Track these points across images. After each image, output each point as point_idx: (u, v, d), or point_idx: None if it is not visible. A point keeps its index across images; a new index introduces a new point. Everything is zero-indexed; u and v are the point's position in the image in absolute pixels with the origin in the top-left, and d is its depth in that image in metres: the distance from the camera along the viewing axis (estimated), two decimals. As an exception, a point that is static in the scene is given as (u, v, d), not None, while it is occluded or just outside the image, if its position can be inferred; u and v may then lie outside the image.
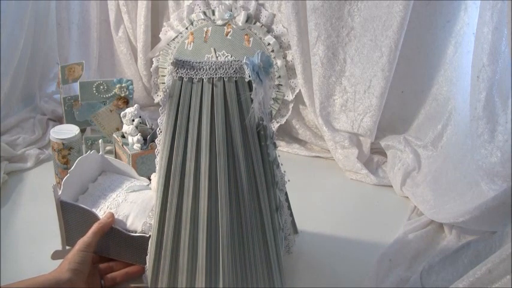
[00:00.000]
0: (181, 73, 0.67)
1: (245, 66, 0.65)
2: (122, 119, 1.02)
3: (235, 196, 0.69)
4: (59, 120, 1.34)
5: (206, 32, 1.28)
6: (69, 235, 0.83)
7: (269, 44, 1.24)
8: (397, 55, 1.12)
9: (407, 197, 1.07)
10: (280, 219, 0.77)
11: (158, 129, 0.71)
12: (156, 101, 1.43)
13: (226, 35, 1.26)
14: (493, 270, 0.66)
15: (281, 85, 1.27)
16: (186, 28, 1.31)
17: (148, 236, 0.76)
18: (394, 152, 1.19)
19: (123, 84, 1.14)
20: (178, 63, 0.66)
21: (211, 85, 0.66)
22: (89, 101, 1.16)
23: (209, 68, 0.66)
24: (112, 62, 1.46)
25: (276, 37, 1.25)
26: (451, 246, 0.89)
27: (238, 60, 0.66)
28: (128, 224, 0.80)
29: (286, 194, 0.81)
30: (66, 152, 0.99)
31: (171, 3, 1.35)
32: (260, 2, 1.26)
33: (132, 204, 0.82)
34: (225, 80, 0.66)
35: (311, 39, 1.17)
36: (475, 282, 0.67)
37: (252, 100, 0.66)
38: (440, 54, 1.13)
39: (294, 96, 1.27)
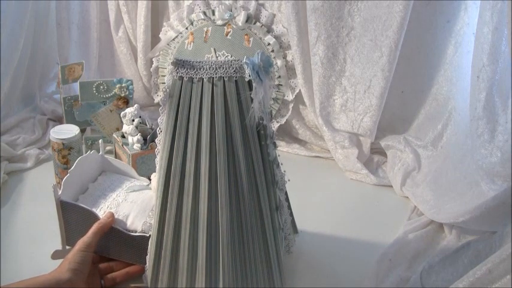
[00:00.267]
0: (182, 73, 0.67)
1: (245, 66, 0.65)
2: (122, 119, 1.02)
3: (235, 195, 0.69)
4: (59, 120, 1.34)
5: (206, 32, 1.28)
6: (69, 235, 0.83)
7: (269, 44, 1.24)
8: (397, 55, 1.12)
9: (407, 197, 1.07)
10: (280, 218, 0.77)
11: (158, 129, 0.71)
12: (156, 101, 1.43)
13: (226, 35, 1.26)
14: (493, 270, 0.66)
15: (281, 85, 1.27)
16: (186, 28, 1.31)
17: (148, 235, 0.76)
18: (394, 152, 1.19)
19: (123, 84, 1.15)
20: (179, 63, 0.66)
21: (211, 85, 0.66)
22: (89, 101, 1.16)
23: (209, 68, 0.66)
24: (112, 62, 1.46)
25: (276, 37, 1.25)
26: (451, 246, 0.89)
27: (238, 60, 0.66)
28: (128, 223, 0.80)
29: (286, 193, 0.81)
30: (66, 152, 0.99)
31: (171, 3, 1.35)
32: (260, 2, 1.26)
33: (132, 204, 0.82)
34: (225, 79, 0.66)
35: (311, 39, 1.17)
36: (475, 282, 0.67)
37: (252, 99, 0.66)
38: (440, 54, 1.13)
39: (294, 96, 1.27)
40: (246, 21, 1.25)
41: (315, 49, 1.18)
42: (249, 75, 0.65)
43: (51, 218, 0.83)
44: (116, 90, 1.14)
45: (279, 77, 1.26)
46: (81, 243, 0.75)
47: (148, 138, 1.00)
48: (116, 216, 0.80)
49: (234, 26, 1.26)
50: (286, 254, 0.87)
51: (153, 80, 1.42)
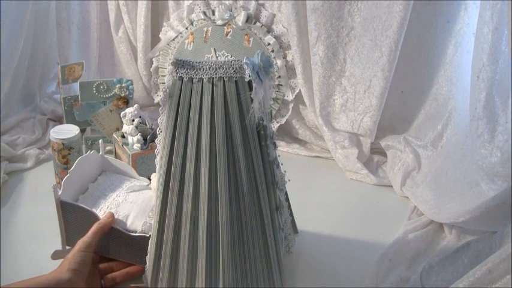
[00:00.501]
0: (182, 73, 0.67)
1: (245, 66, 0.65)
2: (122, 119, 1.02)
3: (235, 196, 0.69)
4: (59, 120, 1.34)
5: (206, 32, 1.28)
6: (69, 235, 0.83)
7: (269, 44, 1.24)
8: (397, 55, 1.12)
9: (407, 197, 1.07)
10: (280, 218, 0.77)
11: (158, 129, 0.71)
12: (156, 101, 1.43)
13: (226, 35, 1.26)
14: (493, 270, 0.66)
15: (281, 85, 1.27)
16: (186, 28, 1.31)
17: (148, 235, 0.76)
18: (394, 152, 1.19)
19: (123, 84, 1.15)
20: (179, 63, 0.66)
21: (211, 85, 0.66)
22: (89, 101, 1.16)
23: (209, 68, 0.66)
24: (112, 62, 1.46)
25: (276, 37, 1.25)
26: (451, 246, 0.89)
27: (238, 60, 0.66)
28: (128, 224, 0.80)
29: (286, 193, 0.81)
30: (66, 152, 0.99)
31: (171, 3, 1.35)
32: (260, 2, 1.26)
33: (132, 204, 0.82)
34: (225, 79, 0.66)
35: (311, 39, 1.17)
36: (475, 282, 0.67)
37: (252, 100, 0.66)
38: (440, 54, 1.13)
39: (294, 96, 1.27)
40: (246, 21, 1.25)
41: (315, 49, 1.18)
42: (249, 76, 0.65)
43: (51, 218, 0.83)
44: (116, 90, 1.15)
45: (279, 77, 1.26)
46: (81, 243, 0.75)
47: (148, 138, 1.00)
48: (116, 217, 0.80)
49: (234, 26, 1.26)
50: (286, 254, 0.87)
51: (153, 80, 1.42)
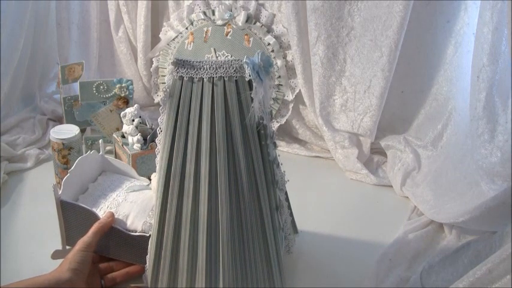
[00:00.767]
0: (182, 72, 0.67)
1: (245, 66, 0.65)
2: (122, 119, 1.02)
3: (235, 194, 0.69)
4: (59, 120, 1.34)
5: (206, 32, 1.28)
6: (69, 235, 0.83)
7: (269, 44, 1.25)
8: (397, 55, 1.12)
9: (407, 197, 1.07)
10: (280, 218, 0.77)
11: (158, 128, 0.71)
12: (156, 101, 1.43)
13: (226, 35, 1.26)
14: (493, 270, 0.66)
15: (281, 85, 1.27)
16: (186, 28, 1.31)
17: (148, 235, 0.76)
18: (394, 152, 1.19)
19: (123, 84, 1.15)
20: (179, 63, 0.66)
21: (211, 84, 0.66)
22: (89, 101, 1.16)
23: (209, 68, 0.66)
24: (112, 62, 1.46)
25: (276, 37, 1.25)
26: (451, 246, 0.89)
27: (238, 60, 0.66)
28: (128, 223, 0.80)
29: (286, 193, 0.81)
30: (66, 152, 0.99)
31: (171, 3, 1.35)
32: (260, 2, 1.26)
33: (132, 204, 0.82)
34: (226, 79, 0.66)
35: (311, 39, 1.17)
36: (475, 282, 0.67)
37: (252, 99, 0.66)
38: (440, 54, 1.13)
39: (294, 96, 1.27)
40: (246, 21, 1.25)
41: (315, 49, 1.18)
42: (249, 75, 0.65)
43: (51, 218, 0.83)
44: (116, 90, 1.14)
45: (279, 77, 1.26)
46: (81, 243, 0.74)
47: (148, 138, 1.00)
48: (116, 216, 0.80)
49: (234, 26, 1.26)
50: (286, 254, 0.87)
51: (153, 80, 1.42)
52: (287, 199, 0.83)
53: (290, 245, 0.87)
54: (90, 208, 0.80)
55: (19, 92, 1.34)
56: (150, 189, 0.84)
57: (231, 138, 0.68)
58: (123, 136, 1.03)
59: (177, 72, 0.67)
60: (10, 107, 1.30)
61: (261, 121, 0.68)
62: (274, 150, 0.74)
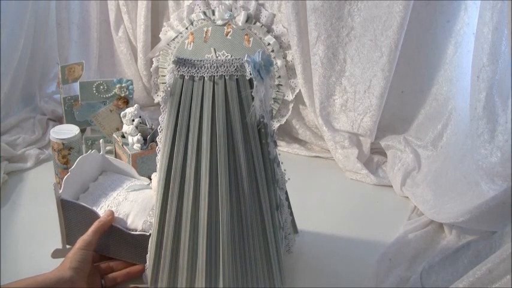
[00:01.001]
0: (183, 71, 0.67)
1: (246, 64, 0.65)
2: (122, 119, 1.02)
3: (236, 193, 0.69)
4: (59, 120, 1.34)
5: (206, 32, 1.28)
6: (70, 234, 0.83)
7: (269, 44, 1.25)
8: (397, 55, 1.12)
9: (407, 197, 1.07)
10: (280, 217, 0.77)
11: (159, 127, 0.71)
12: (156, 101, 1.43)
13: (226, 35, 1.26)
14: (493, 270, 0.66)
15: (281, 85, 1.27)
16: (186, 28, 1.31)
17: (148, 234, 0.76)
18: (394, 152, 1.19)
19: (123, 84, 1.14)
20: (180, 61, 0.66)
21: (212, 83, 0.66)
22: (89, 101, 1.16)
23: (210, 66, 0.66)
24: (112, 62, 1.46)
25: (276, 37, 1.25)
26: (451, 246, 0.89)
27: (239, 58, 0.66)
28: (129, 222, 0.80)
29: (286, 193, 0.82)
30: (66, 152, 0.99)
31: (171, 3, 1.35)
32: (260, 2, 1.26)
33: (133, 203, 0.82)
34: (226, 78, 0.66)
35: (311, 39, 1.17)
36: (475, 282, 0.67)
37: (252, 98, 0.67)
38: (440, 54, 1.13)
39: (294, 96, 1.27)
40: (246, 21, 1.25)
41: (315, 49, 1.18)
42: (250, 74, 0.65)
43: (51, 218, 0.83)
44: (116, 90, 1.14)
45: (279, 77, 1.26)
46: (81, 241, 0.74)
47: (148, 138, 1.00)
48: (116, 215, 0.80)
49: (234, 26, 1.26)
50: (286, 253, 0.87)
51: (153, 80, 1.42)
52: (287, 198, 0.83)
53: (290, 244, 0.87)
54: (90, 207, 0.80)
55: (19, 92, 1.33)
56: (151, 188, 0.84)
57: (231, 136, 0.68)
58: (123, 136, 1.03)
59: (178, 71, 0.67)
60: (10, 107, 1.30)
61: (261, 120, 0.68)
62: (274, 149, 0.74)
